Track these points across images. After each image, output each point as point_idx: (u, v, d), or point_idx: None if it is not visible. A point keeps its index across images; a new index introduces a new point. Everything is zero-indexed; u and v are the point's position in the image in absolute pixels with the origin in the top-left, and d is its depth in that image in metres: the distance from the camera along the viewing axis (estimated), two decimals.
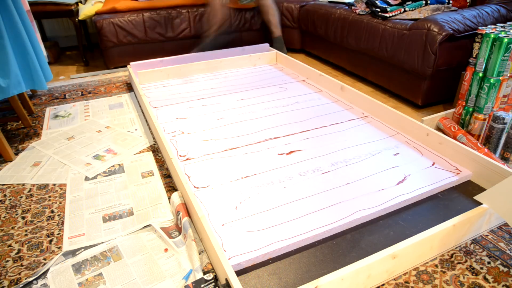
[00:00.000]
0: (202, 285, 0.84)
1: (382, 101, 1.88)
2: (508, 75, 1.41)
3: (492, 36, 1.36)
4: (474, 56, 1.53)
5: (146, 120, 1.70)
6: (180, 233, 1.02)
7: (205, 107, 1.72)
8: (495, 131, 1.37)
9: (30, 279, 0.87)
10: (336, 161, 1.29)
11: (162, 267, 0.92)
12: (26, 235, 1.04)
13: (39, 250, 0.98)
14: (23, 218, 1.10)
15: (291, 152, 1.34)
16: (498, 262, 0.92)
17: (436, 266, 0.91)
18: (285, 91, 1.90)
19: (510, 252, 0.95)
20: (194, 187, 1.17)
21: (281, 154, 1.34)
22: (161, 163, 1.36)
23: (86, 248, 0.98)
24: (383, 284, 0.87)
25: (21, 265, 0.93)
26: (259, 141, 1.42)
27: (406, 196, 1.09)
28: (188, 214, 1.04)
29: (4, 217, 1.10)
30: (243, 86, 1.98)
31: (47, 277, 0.88)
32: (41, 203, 1.16)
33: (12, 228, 1.06)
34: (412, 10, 1.93)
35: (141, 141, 1.52)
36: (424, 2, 1.94)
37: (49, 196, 1.19)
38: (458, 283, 0.86)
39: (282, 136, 1.45)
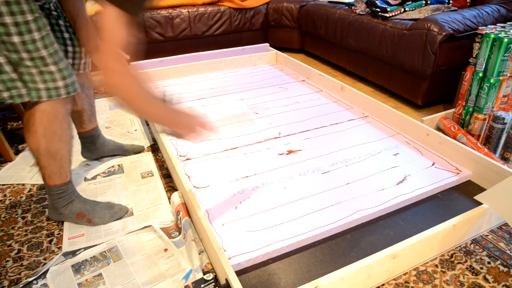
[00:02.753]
0: (202, 285, 0.84)
1: (382, 101, 1.88)
2: (508, 75, 1.41)
3: (492, 36, 1.36)
4: (474, 56, 1.53)
5: (146, 120, 1.70)
6: (180, 233, 1.02)
7: (205, 107, 1.72)
8: (495, 131, 1.37)
9: (30, 279, 0.87)
10: (336, 161, 1.29)
11: (162, 267, 0.92)
12: (26, 235, 1.03)
13: (39, 250, 0.98)
14: (23, 218, 1.10)
15: (291, 152, 1.34)
16: (498, 262, 0.92)
17: (436, 266, 0.91)
18: (285, 91, 1.90)
19: (510, 252, 0.95)
20: (194, 187, 1.17)
21: (281, 154, 1.33)
22: (161, 163, 1.36)
23: (85, 248, 0.98)
24: (383, 284, 0.87)
25: (21, 265, 0.93)
26: (259, 141, 1.42)
27: (406, 196, 1.09)
28: (188, 214, 1.04)
29: (4, 217, 1.10)
30: (243, 86, 1.98)
31: (46, 277, 0.88)
32: (41, 203, 1.16)
33: (12, 228, 1.06)
34: (412, 10, 1.93)
35: (141, 142, 1.52)
36: (424, 2, 1.94)
37: None
38: (458, 283, 0.86)
39: (282, 136, 1.45)
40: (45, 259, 0.95)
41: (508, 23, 1.52)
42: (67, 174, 1.00)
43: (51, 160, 0.95)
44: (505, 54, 1.34)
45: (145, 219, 1.09)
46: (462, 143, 1.35)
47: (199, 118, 0.86)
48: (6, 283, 0.88)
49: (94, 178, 1.28)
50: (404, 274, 0.89)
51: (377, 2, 1.99)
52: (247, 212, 1.05)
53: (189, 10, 2.46)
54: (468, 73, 1.53)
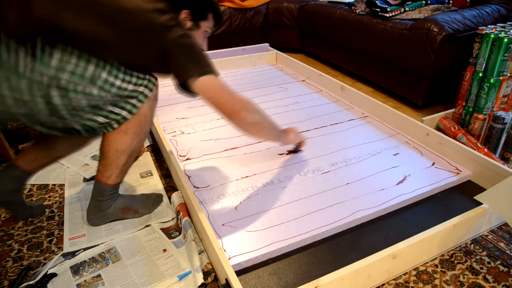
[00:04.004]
0: None
1: (382, 101, 1.88)
2: (508, 75, 1.41)
3: (492, 36, 1.36)
4: (474, 56, 1.53)
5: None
6: (180, 233, 1.02)
7: (205, 107, 1.72)
8: (495, 131, 1.37)
9: (30, 283, 0.87)
10: (336, 161, 1.28)
11: (161, 268, 0.92)
12: (26, 235, 1.03)
13: (39, 250, 0.98)
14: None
15: (291, 152, 1.34)
16: (498, 262, 0.92)
17: (436, 266, 0.91)
18: (285, 91, 1.90)
19: (510, 252, 0.95)
20: (194, 187, 1.17)
21: (281, 154, 1.33)
22: (161, 163, 1.36)
23: (85, 249, 0.97)
24: (383, 284, 0.86)
25: (21, 265, 0.93)
26: (259, 141, 1.42)
27: (406, 196, 1.09)
28: (188, 214, 1.04)
29: (4, 217, 1.10)
30: (243, 86, 1.98)
31: (45, 279, 0.88)
32: (40, 203, 1.16)
33: (12, 228, 1.06)
34: (412, 10, 1.93)
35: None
36: (424, 2, 1.94)
37: (49, 196, 1.19)
38: (458, 283, 0.86)
39: None
40: (45, 259, 0.95)
41: (508, 23, 1.52)
42: (125, 174, 1.02)
43: (130, 159, 0.98)
44: (505, 54, 1.34)
45: (146, 219, 1.09)
46: (462, 143, 1.35)
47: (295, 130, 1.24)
48: (6, 283, 0.88)
49: (92, 178, 1.28)
50: (404, 274, 0.89)
51: (377, 2, 1.99)
52: (247, 212, 1.05)
53: None
54: (468, 73, 1.53)
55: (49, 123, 0.86)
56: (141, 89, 0.91)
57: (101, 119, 0.89)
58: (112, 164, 0.96)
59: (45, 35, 0.75)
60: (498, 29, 1.44)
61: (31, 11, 0.75)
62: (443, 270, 0.90)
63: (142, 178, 1.28)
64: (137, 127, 0.95)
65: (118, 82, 0.86)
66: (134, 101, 0.91)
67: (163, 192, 1.20)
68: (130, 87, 0.89)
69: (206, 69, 0.88)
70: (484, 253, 0.95)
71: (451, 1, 2.01)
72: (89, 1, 0.81)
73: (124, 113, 0.91)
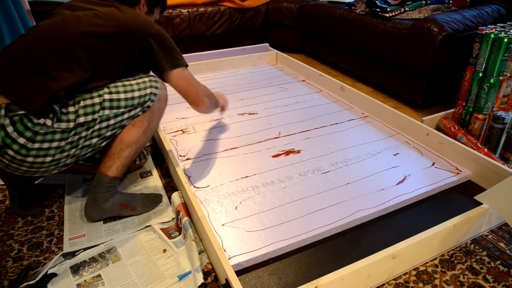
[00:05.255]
0: None
1: (382, 101, 1.88)
2: (508, 75, 1.41)
3: (492, 36, 1.36)
4: (474, 56, 1.53)
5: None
6: (180, 233, 1.02)
7: None
8: (495, 131, 1.37)
9: (30, 283, 0.87)
10: (336, 161, 1.29)
11: (161, 268, 0.92)
12: (26, 235, 1.03)
13: (39, 250, 0.98)
14: (23, 218, 1.10)
15: (290, 152, 1.34)
16: (498, 262, 0.92)
17: (436, 266, 0.91)
18: (285, 91, 1.90)
19: (510, 252, 0.95)
20: (194, 187, 1.17)
21: (281, 154, 1.33)
22: (161, 163, 1.36)
23: (85, 249, 0.97)
24: (383, 284, 0.86)
25: (21, 265, 0.93)
26: (259, 141, 1.42)
27: (406, 196, 1.09)
28: (188, 214, 1.04)
29: (4, 217, 1.10)
30: (243, 86, 1.98)
31: (45, 279, 0.88)
32: (39, 203, 1.16)
33: (12, 228, 1.06)
34: (412, 10, 1.94)
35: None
36: (424, 2, 1.94)
37: (49, 196, 1.19)
38: (458, 283, 0.86)
39: (282, 136, 1.45)
40: (45, 259, 0.95)
41: (508, 23, 1.52)
42: (125, 170, 1.07)
43: (133, 154, 1.05)
44: (505, 54, 1.34)
45: (146, 219, 1.09)
46: (462, 143, 1.35)
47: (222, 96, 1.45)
48: (6, 283, 0.88)
49: (92, 178, 1.28)
50: (404, 274, 0.89)
51: (377, 2, 1.99)
52: (247, 212, 1.05)
53: (189, 10, 2.46)
54: (468, 73, 1.53)
55: (83, 155, 1.00)
56: (148, 90, 1.02)
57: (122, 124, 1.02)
58: (115, 154, 1.02)
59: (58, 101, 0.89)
60: (498, 29, 1.44)
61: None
62: (443, 270, 0.90)
63: (142, 178, 1.28)
64: (145, 122, 1.04)
65: (122, 95, 0.98)
66: (147, 103, 1.03)
67: (163, 192, 1.20)
68: (136, 94, 1.00)
69: (178, 62, 1.04)
70: (484, 253, 0.95)
71: (451, 1, 2.01)
72: (68, 50, 0.91)
73: (139, 113, 1.03)
